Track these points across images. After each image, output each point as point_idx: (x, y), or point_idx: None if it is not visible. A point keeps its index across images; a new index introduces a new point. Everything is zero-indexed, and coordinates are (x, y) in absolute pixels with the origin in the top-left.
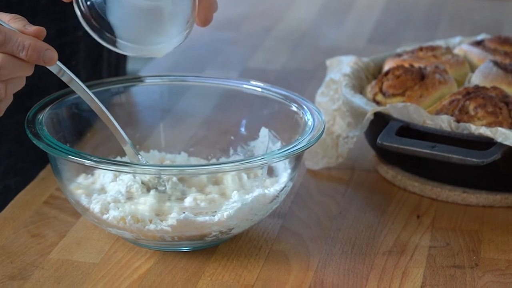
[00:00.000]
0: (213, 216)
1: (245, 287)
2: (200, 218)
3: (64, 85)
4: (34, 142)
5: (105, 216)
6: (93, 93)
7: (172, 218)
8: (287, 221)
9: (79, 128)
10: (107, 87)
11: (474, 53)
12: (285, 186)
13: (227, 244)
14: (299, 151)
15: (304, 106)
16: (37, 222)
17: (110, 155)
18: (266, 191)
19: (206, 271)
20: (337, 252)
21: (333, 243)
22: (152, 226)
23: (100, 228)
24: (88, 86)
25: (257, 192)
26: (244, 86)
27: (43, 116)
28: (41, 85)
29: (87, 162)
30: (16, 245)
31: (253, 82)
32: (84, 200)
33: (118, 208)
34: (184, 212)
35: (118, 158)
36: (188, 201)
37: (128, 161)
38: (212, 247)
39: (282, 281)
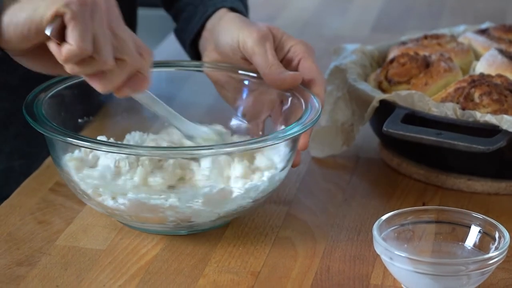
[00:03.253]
0: (166, 200)
1: (251, 273)
2: (152, 202)
3: None
4: (32, 124)
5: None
6: None
7: (125, 198)
8: (293, 208)
9: (86, 110)
10: None
11: (479, 42)
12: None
13: (233, 230)
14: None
15: (300, 92)
16: (44, 209)
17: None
18: (226, 186)
19: (212, 258)
20: (343, 239)
21: (339, 230)
22: (110, 202)
23: (106, 215)
24: None
25: (212, 185)
26: (248, 74)
27: (45, 96)
28: None
29: (86, 144)
30: (23, 232)
31: (229, 66)
32: (74, 175)
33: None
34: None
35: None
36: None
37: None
38: (218, 234)
39: (289, 267)
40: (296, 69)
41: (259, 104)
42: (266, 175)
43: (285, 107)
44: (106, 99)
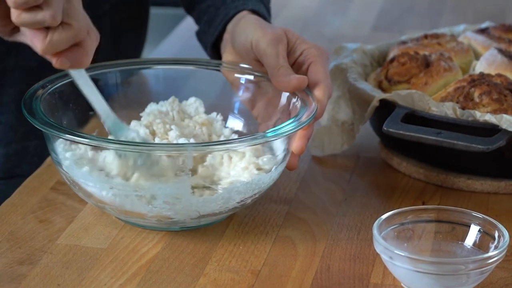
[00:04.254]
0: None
1: (252, 272)
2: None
3: None
4: (29, 120)
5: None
6: (99, 74)
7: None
8: (293, 207)
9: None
10: (109, 69)
11: (479, 41)
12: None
13: (233, 229)
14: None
15: (303, 96)
16: (45, 208)
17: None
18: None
19: (213, 256)
20: (343, 238)
21: (339, 229)
22: (98, 193)
23: (108, 214)
24: (98, 67)
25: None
26: (263, 75)
27: (46, 92)
28: None
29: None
30: (24, 231)
31: (246, 67)
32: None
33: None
34: None
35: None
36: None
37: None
38: (219, 233)
39: (289, 266)
40: (305, 72)
41: (271, 107)
42: (247, 177)
43: (291, 110)
44: (106, 96)
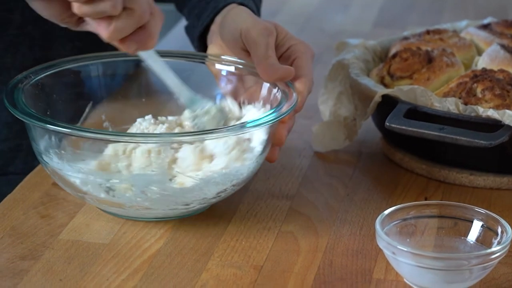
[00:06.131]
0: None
1: (254, 267)
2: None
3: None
4: (11, 110)
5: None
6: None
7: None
8: (296, 203)
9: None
10: (119, 58)
11: (481, 37)
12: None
13: (236, 225)
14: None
15: (284, 88)
16: (47, 203)
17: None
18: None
19: (215, 252)
20: (346, 234)
21: (342, 225)
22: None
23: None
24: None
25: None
26: (248, 69)
27: (29, 83)
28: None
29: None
30: (26, 226)
31: (230, 59)
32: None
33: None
34: None
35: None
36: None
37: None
38: (221, 228)
39: (291, 261)
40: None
41: (252, 99)
42: (219, 168)
43: (272, 101)
44: (92, 90)
